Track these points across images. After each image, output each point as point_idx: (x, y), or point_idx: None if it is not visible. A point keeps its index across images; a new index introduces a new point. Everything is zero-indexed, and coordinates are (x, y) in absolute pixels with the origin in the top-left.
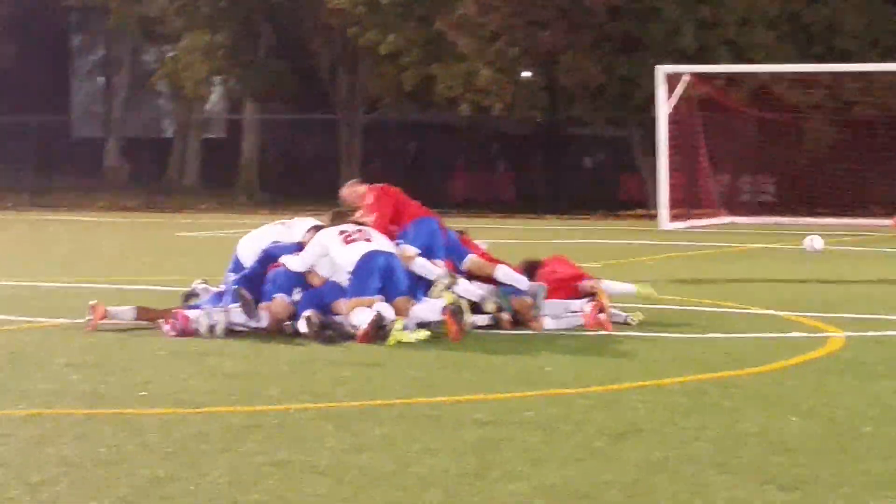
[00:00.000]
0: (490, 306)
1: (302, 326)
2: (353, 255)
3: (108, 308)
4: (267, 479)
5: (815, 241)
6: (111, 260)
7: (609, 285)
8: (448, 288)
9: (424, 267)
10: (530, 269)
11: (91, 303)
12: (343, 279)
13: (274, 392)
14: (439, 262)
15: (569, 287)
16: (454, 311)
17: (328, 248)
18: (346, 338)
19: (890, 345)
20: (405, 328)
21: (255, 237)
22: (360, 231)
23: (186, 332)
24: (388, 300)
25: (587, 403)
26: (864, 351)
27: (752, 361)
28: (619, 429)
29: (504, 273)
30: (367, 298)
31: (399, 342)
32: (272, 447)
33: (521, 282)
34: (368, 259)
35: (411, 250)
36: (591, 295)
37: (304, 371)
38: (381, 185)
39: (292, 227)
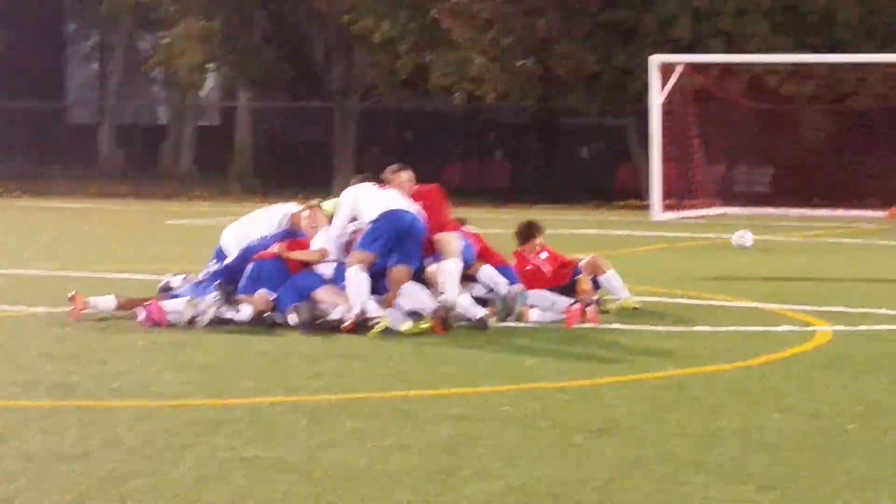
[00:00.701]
0: (492, 320)
1: (292, 319)
2: (386, 200)
3: (88, 298)
4: (233, 475)
5: (745, 238)
6: (98, 248)
7: (611, 279)
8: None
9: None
10: (528, 233)
11: (70, 294)
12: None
13: (248, 385)
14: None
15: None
16: (445, 319)
17: (357, 199)
18: (331, 328)
19: (878, 340)
20: (394, 319)
21: (239, 226)
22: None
23: (160, 323)
24: (396, 263)
25: (566, 398)
26: (852, 346)
27: (737, 356)
28: (596, 425)
29: (487, 275)
30: (369, 254)
31: (381, 333)
32: (241, 442)
33: (502, 285)
34: (393, 217)
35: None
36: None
37: (281, 364)
38: (430, 185)
39: (272, 212)
